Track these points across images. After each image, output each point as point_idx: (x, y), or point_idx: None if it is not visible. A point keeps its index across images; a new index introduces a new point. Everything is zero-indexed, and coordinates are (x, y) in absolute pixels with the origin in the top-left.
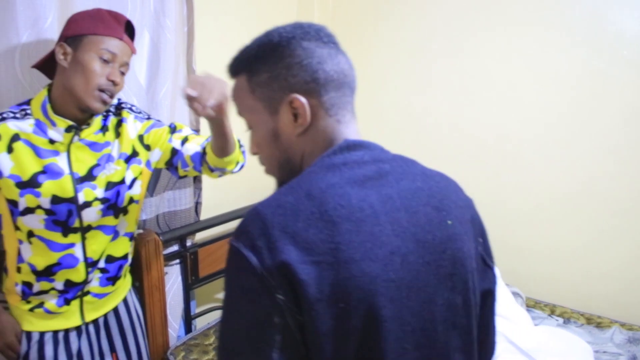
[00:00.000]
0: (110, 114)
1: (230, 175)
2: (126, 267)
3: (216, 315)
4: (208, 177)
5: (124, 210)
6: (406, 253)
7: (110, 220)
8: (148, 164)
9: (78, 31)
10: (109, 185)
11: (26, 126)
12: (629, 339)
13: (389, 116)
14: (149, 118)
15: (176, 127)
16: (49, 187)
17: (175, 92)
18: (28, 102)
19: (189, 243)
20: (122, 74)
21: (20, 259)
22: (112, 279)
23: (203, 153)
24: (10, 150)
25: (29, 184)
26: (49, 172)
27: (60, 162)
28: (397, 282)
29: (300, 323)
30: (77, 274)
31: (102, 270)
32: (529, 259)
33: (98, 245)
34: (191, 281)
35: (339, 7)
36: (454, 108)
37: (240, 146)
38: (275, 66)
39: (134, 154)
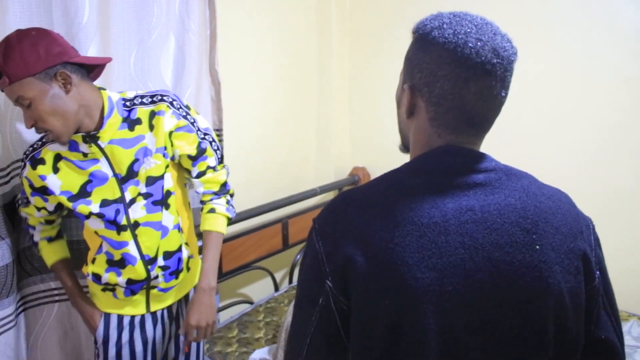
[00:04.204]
0: (135, 107)
1: (252, 175)
2: (186, 259)
3: (239, 309)
4: None
5: (166, 205)
6: (473, 269)
7: (156, 217)
8: (173, 158)
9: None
10: (149, 180)
11: (62, 147)
12: None
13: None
14: (185, 116)
15: (205, 152)
16: (98, 193)
17: (199, 93)
18: None
19: None
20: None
21: (99, 251)
22: (175, 273)
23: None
24: (56, 170)
25: (80, 195)
26: (95, 179)
27: (103, 167)
28: (456, 296)
29: (345, 310)
30: (137, 272)
31: (164, 268)
32: None
33: (151, 242)
34: None
35: (355, 11)
36: None
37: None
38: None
39: (164, 147)
